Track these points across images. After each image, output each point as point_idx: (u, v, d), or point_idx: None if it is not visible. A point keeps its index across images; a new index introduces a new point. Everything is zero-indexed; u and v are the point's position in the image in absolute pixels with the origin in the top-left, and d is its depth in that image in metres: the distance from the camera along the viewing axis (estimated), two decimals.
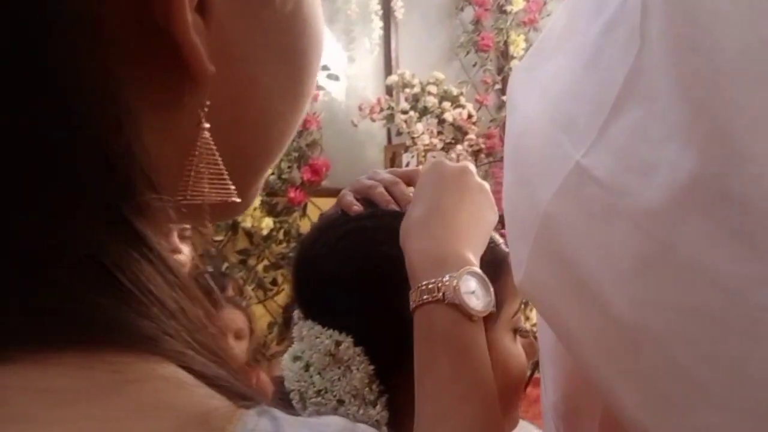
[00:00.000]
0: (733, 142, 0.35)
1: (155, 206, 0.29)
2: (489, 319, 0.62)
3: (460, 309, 0.56)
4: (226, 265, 3.00)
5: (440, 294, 0.56)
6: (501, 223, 0.68)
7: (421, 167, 0.75)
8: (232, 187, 0.33)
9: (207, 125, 0.32)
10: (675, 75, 0.38)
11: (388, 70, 3.75)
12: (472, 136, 3.50)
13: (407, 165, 3.41)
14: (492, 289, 0.60)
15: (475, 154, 3.67)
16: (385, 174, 0.73)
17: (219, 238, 3.02)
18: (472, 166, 0.68)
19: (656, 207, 0.37)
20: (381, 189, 0.70)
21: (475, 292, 0.58)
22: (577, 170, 0.43)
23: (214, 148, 0.32)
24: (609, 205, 0.41)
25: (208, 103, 0.31)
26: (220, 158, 0.32)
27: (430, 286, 0.57)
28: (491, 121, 4.20)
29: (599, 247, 0.41)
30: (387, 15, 3.75)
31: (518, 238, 0.52)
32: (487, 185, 0.68)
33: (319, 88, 3.32)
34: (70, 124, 0.27)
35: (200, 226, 0.40)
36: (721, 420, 0.35)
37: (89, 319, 0.26)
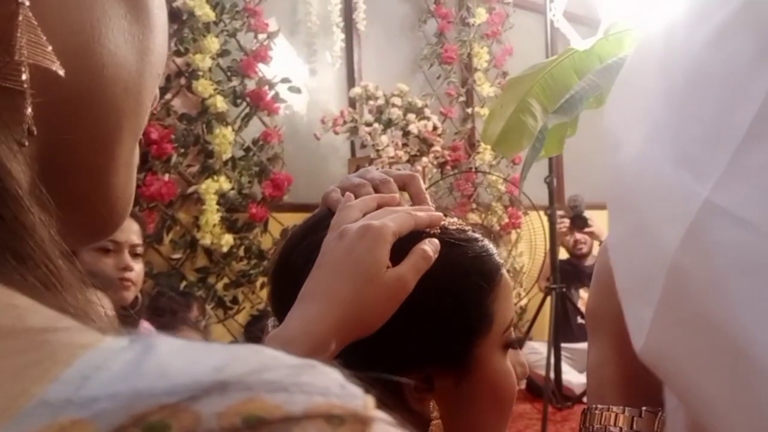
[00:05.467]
0: None
1: None
2: (481, 334, 0.60)
3: None
4: (184, 283, 2.88)
5: None
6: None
7: (415, 174, 0.71)
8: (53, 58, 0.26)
9: None
10: None
11: (351, 82, 3.69)
12: (437, 148, 3.44)
13: None
14: None
15: (441, 167, 3.61)
16: (375, 172, 0.68)
17: (177, 255, 2.91)
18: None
19: None
20: (370, 188, 0.65)
21: None
22: (709, 209, 0.36)
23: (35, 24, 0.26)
24: None
25: None
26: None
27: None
28: (456, 133, 4.17)
29: (762, 310, 0.34)
30: (349, 27, 3.70)
31: (637, 298, 0.44)
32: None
33: (281, 101, 3.24)
34: None
35: None
36: None
37: None
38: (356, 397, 0.21)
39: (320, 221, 0.64)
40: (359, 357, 0.56)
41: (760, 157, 0.34)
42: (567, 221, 3.97)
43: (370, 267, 0.56)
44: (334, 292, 0.56)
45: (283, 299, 0.62)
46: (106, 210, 0.31)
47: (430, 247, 0.59)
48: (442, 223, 0.64)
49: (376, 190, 0.66)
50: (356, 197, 0.65)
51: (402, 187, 0.68)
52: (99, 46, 0.28)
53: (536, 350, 3.68)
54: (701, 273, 0.36)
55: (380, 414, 0.22)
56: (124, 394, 0.18)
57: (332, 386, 0.21)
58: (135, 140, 0.32)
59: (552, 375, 3.39)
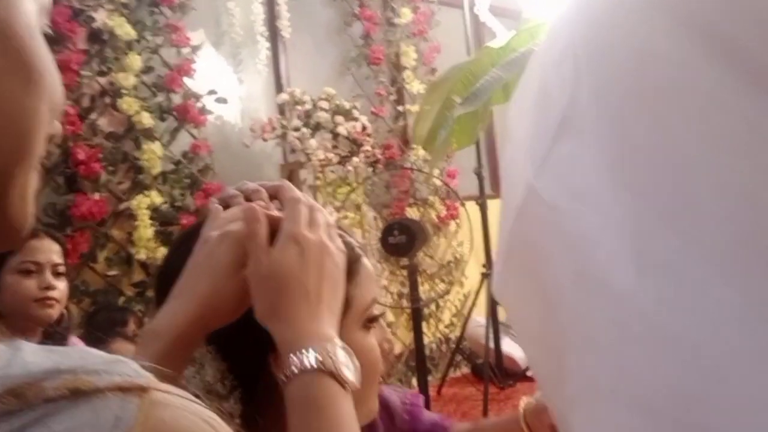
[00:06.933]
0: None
1: None
2: (341, 314, 0.68)
3: (336, 378, 0.61)
4: (122, 299, 2.93)
5: (319, 363, 0.60)
6: None
7: (284, 182, 0.77)
8: None
9: None
10: (606, 116, 0.43)
11: (279, 89, 3.75)
12: (367, 147, 3.54)
13: (304, 181, 3.42)
14: (357, 364, 0.64)
15: (373, 165, 3.71)
16: (250, 184, 0.76)
17: (113, 272, 2.95)
18: (330, 245, 0.69)
19: (591, 232, 0.41)
20: (241, 199, 0.73)
21: (347, 365, 0.62)
22: (532, 190, 0.47)
23: None
24: (558, 227, 0.45)
25: None
26: None
27: (308, 356, 0.60)
28: (389, 131, 4.26)
29: (553, 266, 0.45)
30: (273, 35, 3.77)
31: (498, 252, 0.58)
32: (341, 256, 0.69)
33: (207, 112, 3.30)
34: None
35: None
36: None
37: None
38: (142, 377, 0.34)
39: (198, 229, 0.72)
40: (234, 339, 0.66)
41: (559, 154, 0.45)
42: None
43: (226, 267, 0.65)
44: (194, 289, 0.65)
45: (163, 298, 0.70)
46: (3, 230, 0.38)
47: None
48: None
49: (248, 200, 0.73)
50: (230, 207, 0.73)
51: (273, 195, 0.75)
52: None
53: (480, 323, 3.76)
54: (525, 237, 0.48)
55: (159, 386, 0.34)
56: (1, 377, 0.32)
57: (128, 371, 0.34)
58: (28, 175, 0.37)
59: (493, 357, 3.51)
